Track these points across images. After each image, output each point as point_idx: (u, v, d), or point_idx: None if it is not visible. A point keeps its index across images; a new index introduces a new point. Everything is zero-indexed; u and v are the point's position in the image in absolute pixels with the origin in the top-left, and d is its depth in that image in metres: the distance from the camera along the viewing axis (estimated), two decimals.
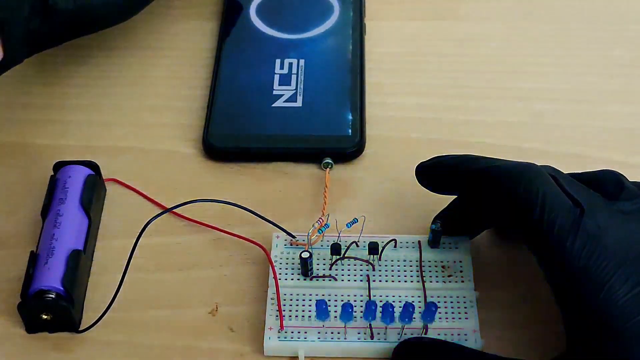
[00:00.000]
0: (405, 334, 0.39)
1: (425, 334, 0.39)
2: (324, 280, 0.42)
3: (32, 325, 0.41)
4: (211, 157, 0.48)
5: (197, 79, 0.52)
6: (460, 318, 0.40)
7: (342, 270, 0.42)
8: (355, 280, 0.42)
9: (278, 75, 0.51)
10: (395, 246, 0.43)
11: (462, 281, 0.42)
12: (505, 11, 0.57)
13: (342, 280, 0.42)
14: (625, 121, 0.50)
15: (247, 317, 0.41)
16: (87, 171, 0.45)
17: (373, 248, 0.42)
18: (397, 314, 0.39)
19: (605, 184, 0.39)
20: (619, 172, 0.40)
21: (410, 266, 0.42)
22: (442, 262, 0.42)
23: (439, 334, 0.40)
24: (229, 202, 0.44)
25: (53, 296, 0.40)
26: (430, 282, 0.42)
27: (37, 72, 0.53)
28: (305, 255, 0.41)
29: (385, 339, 0.39)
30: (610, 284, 0.34)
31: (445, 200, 0.43)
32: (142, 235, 0.40)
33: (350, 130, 0.48)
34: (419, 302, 0.41)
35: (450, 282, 0.42)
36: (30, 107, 0.51)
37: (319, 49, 0.53)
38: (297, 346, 0.40)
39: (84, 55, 0.54)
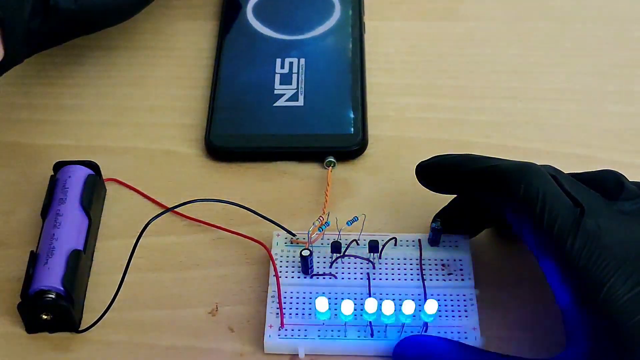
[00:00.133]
0: (405, 331, 0.39)
1: (425, 331, 0.40)
2: (324, 278, 0.42)
3: (32, 325, 0.41)
4: (213, 157, 0.48)
5: (197, 79, 0.52)
6: (460, 316, 0.40)
7: (343, 268, 0.42)
8: (355, 278, 0.42)
9: (279, 74, 0.51)
10: (395, 244, 0.43)
11: (462, 279, 0.42)
12: (505, 11, 0.57)
13: (343, 278, 0.42)
14: (625, 121, 0.50)
15: (247, 317, 0.41)
16: (87, 171, 0.45)
17: (373, 246, 0.42)
18: (397, 312, 0.39)
19: (605, 184, 0.39)
20: (619, 172, 0.40)
21: (411, 264, 0.42)
22: (442, 260, 0.42)
23: (438, 332, 0.40)
24: (230, 202, 0.44)
25: (53, 296, 0.40)
26: (430, 280, 0.42)
27: (37, 72, 0.53)
28: (306, 253, 0.41)
29: (385, 337, 0.39)
30: (610, 284, 0.34)
31: (446, 199, 0.43)
32: (143, 235, 0.40)
33: (352, 129, 0.48)
34: (419, 300, 0.41)
35: (450, 280, 0.42)
36: (30, 107, 0.51)
37: (319, 48, 0.53)
38: (297, 344, 0.40)
39: (84, 55, 0.54)
